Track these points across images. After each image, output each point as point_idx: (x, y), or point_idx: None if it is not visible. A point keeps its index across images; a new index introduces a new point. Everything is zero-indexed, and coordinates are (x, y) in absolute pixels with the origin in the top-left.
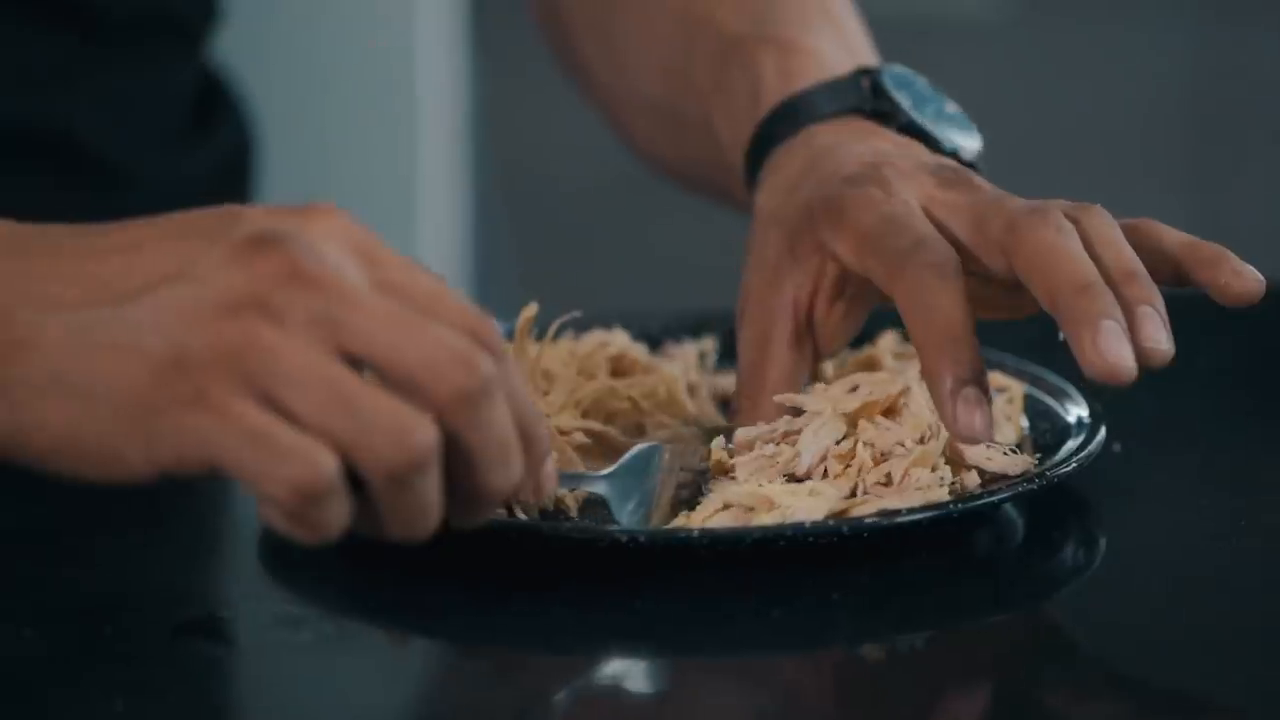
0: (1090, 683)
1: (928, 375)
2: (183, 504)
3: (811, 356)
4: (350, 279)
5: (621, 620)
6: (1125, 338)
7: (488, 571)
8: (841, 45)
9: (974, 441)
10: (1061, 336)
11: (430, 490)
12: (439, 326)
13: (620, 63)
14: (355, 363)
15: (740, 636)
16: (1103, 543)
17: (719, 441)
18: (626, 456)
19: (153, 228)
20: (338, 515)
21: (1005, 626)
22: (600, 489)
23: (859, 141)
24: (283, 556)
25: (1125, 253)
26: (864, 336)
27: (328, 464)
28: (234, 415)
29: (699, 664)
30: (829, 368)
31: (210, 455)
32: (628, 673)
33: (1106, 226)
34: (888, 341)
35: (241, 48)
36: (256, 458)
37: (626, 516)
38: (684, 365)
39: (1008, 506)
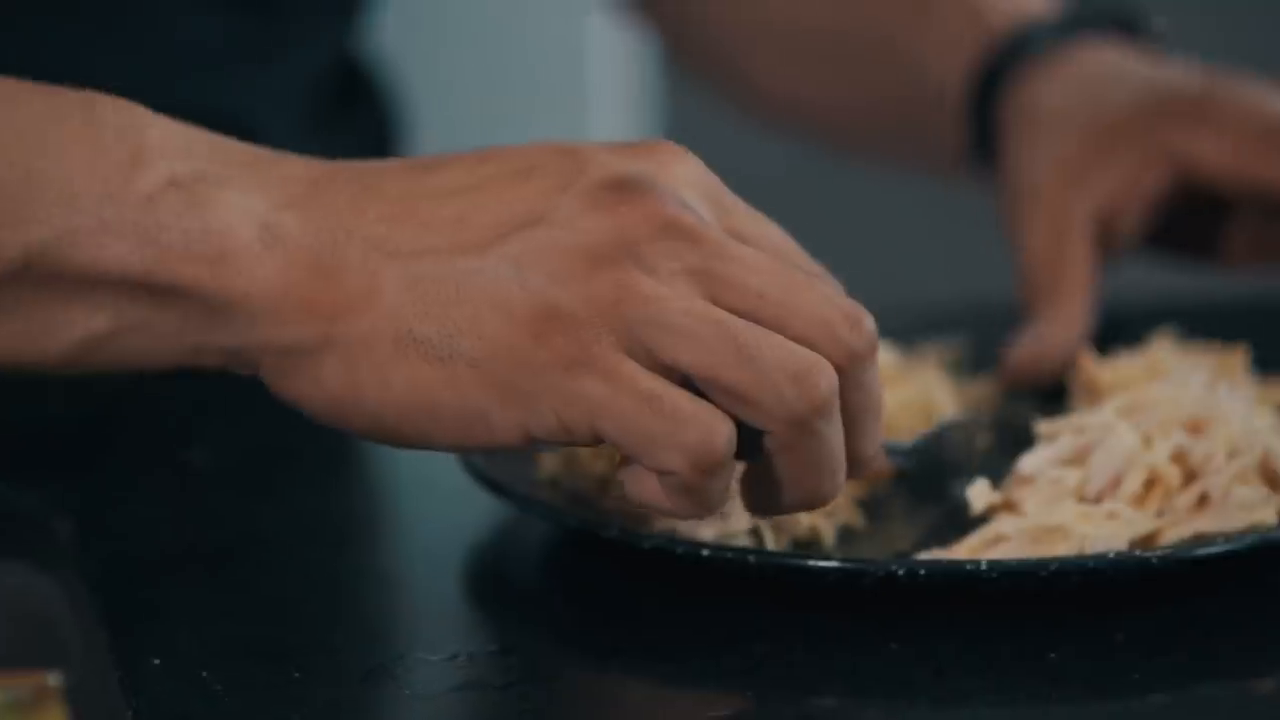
0: None
1: None
2: (368, 520)
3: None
4: (716, 230)
5: (876, 664)
6: None
7: (714, 606)
8: None
9: None
10: None
11: (838, 436)
12: (820, 281)
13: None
14: None
15: (1011, 683)
16: None
17: (981, 487)
18: (933, 429)
19: (486, 165)
20: (726, 486)
21: None
22: (902, 462)
23: (1146, 66)
24: (481, 584)
25: None
26: (1133, 337)
27: (727, 428)
28: (625, 377)
29: (963, 713)
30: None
31: (598, 423)
32: None
33: None
34: (1163, 344)
35: (404, 40)
36: (653, 425)
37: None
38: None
39: None
